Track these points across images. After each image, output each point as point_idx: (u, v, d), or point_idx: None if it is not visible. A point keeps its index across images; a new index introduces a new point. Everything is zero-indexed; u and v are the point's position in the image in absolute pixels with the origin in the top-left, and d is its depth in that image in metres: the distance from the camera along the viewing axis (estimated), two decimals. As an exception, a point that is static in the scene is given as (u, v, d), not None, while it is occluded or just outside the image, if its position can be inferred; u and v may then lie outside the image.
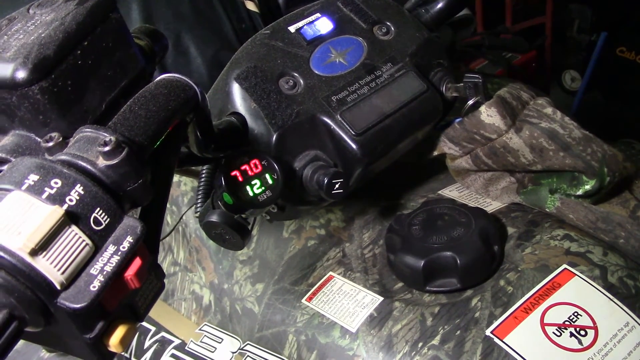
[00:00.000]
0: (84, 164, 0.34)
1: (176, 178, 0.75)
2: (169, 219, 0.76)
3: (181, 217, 0.74)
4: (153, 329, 0.73)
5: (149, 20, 0.81)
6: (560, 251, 0.57)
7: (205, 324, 0.69)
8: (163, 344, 0.71)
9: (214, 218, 0.50)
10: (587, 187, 0.58)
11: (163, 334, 0.72)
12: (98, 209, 0.33)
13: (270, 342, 0.61)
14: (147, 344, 0.72)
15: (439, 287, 0.56)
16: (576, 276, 0.55)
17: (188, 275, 0.73)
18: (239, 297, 0.67)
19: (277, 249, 0.68)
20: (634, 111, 2.09)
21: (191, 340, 0.69)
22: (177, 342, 0.70)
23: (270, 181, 0.51)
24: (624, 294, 0.54)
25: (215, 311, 0.69)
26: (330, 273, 0.63)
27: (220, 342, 0.66)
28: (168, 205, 0.75)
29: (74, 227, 0.31)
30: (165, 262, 0.76)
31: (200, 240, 0.72)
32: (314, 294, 0.61)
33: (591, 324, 0.52)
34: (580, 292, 0.54)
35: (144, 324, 0.74)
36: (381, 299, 0.58)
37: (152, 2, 0.81)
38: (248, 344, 0.63)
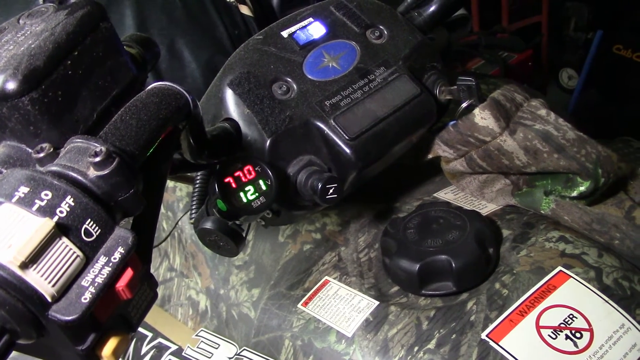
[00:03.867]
0: (74, 175, 0.34)
1: (171, 184, 0.75)
2: (164, 224, 0.76)
3: (177, 223, 0.74)
4: (150, 334, 0.73)
5: (142, 26, 0.81)
6: (555, 253, 0.57)
7: (202, 330, 0.69)
8: (160, 349, 0.71)
9: (208, 225, 0.50)
10: (582, 188, 0.58)
11: (160, 339, 0.72)
12: (89, 220, 0.33)
13: (266, 348, 0.61)
14: (144, 349, 0.72)
15: (435, 291, 0.56)
16: (571, 278, 0.55)
17: (184, 281, 0.73)
18: (235, 302, 0.67)
19: (272, 253, 0.68)
20: (631, 109, 2.09)
21: (188, 346, 0.68)
22: (174, 347, 0.70)
23: (264, 187, 0.51)
24: (620, 296, 0.54)
25: (211, 317, 0.69)
26: (326, 277, 0.63)
27: (216, 348, 0.66)
28: (164, 211, 0.75)
29: (64, 239, 0.31)
30: (161, 268, 0.76)
31: (196, 245, 0.72)
32: (310, 298, 0.61)
33: (586, 326, 0.52)
34: (575, 294, 0.54)
35: (141, 329, 0.74)
36: (377, 303, 0.58)
37: (146, 8, 0.81)
38: (244, 349, 0.63)
